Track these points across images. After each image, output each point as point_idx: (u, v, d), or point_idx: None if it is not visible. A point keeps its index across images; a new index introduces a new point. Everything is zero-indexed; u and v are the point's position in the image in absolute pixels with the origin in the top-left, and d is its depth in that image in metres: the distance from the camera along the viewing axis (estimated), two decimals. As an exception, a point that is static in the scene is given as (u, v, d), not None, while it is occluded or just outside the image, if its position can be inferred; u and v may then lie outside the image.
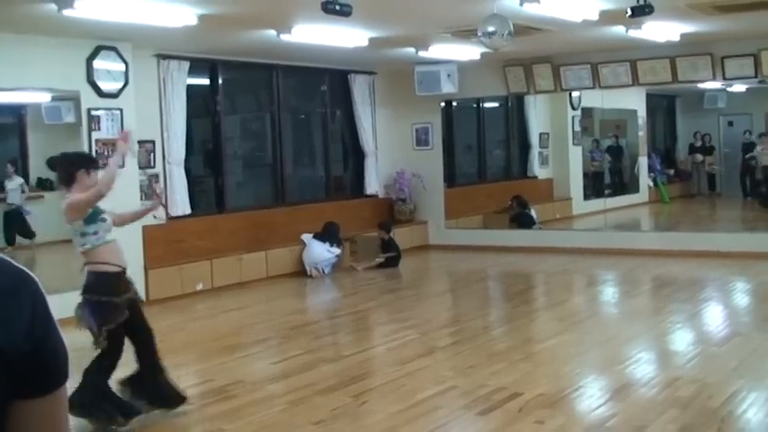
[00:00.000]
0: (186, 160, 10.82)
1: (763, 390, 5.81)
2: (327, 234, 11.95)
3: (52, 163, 5.65)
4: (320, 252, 11.83)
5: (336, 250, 11.92)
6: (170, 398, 5.69)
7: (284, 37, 9.39)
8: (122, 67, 9.72)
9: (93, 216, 5.29)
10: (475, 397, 5.81)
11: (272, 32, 9.35)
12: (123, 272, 5.48)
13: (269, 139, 12.50)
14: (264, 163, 12.59)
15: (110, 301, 5.30)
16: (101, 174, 5.46)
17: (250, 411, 5.75)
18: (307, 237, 11.93)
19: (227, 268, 10.95)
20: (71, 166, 5.36)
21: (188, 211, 10.81)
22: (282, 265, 11.68)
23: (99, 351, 5.36)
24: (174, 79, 10.63)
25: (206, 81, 11.48)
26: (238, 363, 7.26)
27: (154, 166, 10.45)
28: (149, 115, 10.35)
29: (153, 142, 10.44)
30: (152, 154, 10.44)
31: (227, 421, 5.57)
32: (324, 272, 11.66)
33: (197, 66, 11.04)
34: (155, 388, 5.62)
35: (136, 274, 9.72)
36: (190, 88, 10.88)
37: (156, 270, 10.13)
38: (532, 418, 5.34)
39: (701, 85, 15.47)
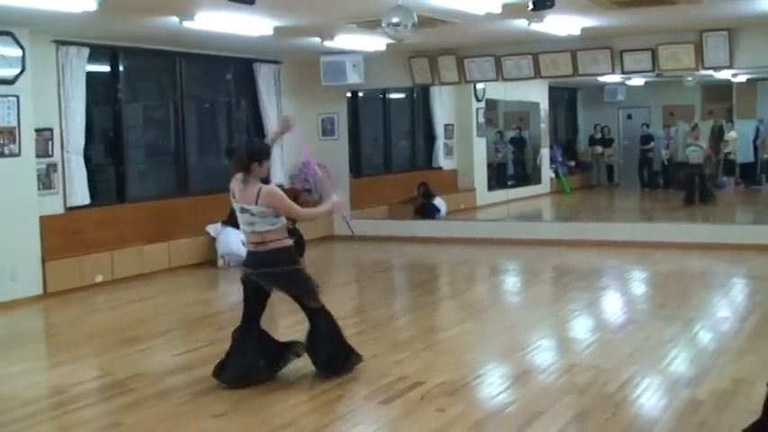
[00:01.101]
0: (86, 149, 10.56)
1: (657, 375, 5.98)
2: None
3: (231, 152, 6.29)
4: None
5: None
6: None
7: (187, 24, 9.24)
8: (19, 52, 9.43)
9: None
10: (377, 386, 5.85)
11: (175, 19, 9.20)
12: (288, 248, 6.14)
13: (172, 128, 12.30)
14: (167, 152, 12.39)
15: (300, 268, 6.17)
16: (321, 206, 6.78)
17: (150, 404, 5.68)
18: (215, 226, 11.80)
19: (129, 259, 10.75)
20: (248, 158, 6.08)
21: (87, 200, 10.55)
22: (186, 255, 11.53)
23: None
24: (74, 66, 10.36)
25: (107, 68, 11.21)
26: (139, 355, 7.14)
27: (52, 155, 10.17)
28: (47, 103, 10.09)
29: (51, 130, 10.15)
30: (50, 142, 10.14)
31: (126, 415, 5.49)
32: (229, 264, 11.55)
33: (97, 52, 10.79)
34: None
35: (32, 265, 9.56)
36: (90, 75, 10.62)
37: (53, 262, 9.88)
38: (434, 406, 5.40)
39: (601, 79, 15.86)
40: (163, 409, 5.57)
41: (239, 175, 6.12)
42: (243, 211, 6.11)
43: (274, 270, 6.03)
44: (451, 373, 6.15)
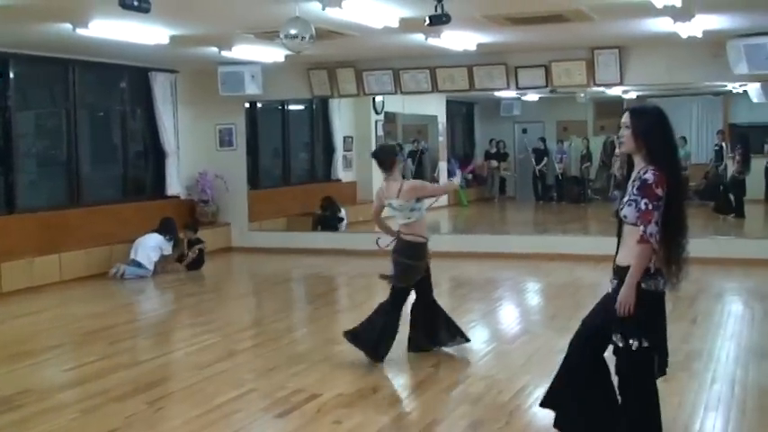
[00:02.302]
0: (-27, 158, 10.24)
1: (548, 385, 6.08)
2: (165, 228, 11.82)
3: (377, 153, 7.12)
4: (153, 245, 11.61)
5: (169, 245, 11.82)
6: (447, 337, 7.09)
7: (81, 31, 9.06)
8: None
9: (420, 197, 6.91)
10: (274, 399, 5.81)
11: (68, 26, 9.01)
12: (427, 242, 7.03)
13: (64, 137, 12.00)
14: (59, 161, 12.07)
15: (414, 264, 6.96)
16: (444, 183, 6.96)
17: (39, 421, 5.51)
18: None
19: (18, 272, 10.43)
20: (391, 156, 6.95)
21: (-26, 211, 10.22)
22: (78, 268, 11.25)
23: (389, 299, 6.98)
24: (-40, 72, 10.03)
25: (-4, 75, 10.90)
26: (27, 371, 6.93)
27: (-64, 164, 9.82)
28: (-69, 109, 9.74)
29: (-65, 138, 9.81)
30: (-66, 150, 9.80)
31: (13, 432, 5.32)
32: (123, 275, 11.35)
33: (-15, 58, 10.48)
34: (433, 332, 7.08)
35: None
36: (-23, 82, 10.30)
37: (-63, 274, 9.53)
38: (330, 418, 5.40)
39: (497, 94, 16.15)
40: (52, 426, 5.41)
41: (383, 176, 7.05)
42: (388, 204, 7.05)
43: (397, 258, 7.03)
44: (348, 384, 6.15)
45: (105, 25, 8.99)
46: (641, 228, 3.91)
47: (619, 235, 4.18)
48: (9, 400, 5.97)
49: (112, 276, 11.44)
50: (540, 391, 5.85)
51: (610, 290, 4.25)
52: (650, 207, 3.90)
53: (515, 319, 9.03)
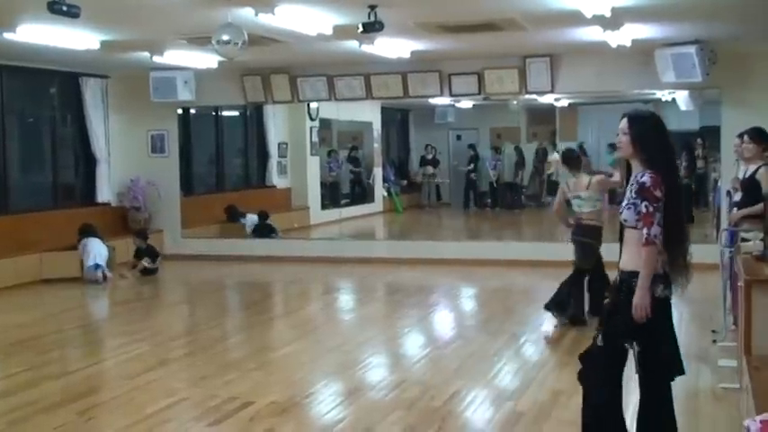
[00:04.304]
0: None
1: (482, 388, 6.17)
2: (93, 232, 11.75)
3: (567, 157, 8.49)
4: (102, 249, 11.53)
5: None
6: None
7: (8, 36, 8.90)
8: None
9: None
10: (206, 408, 5.76)
11: (-5, 30, 8.84)
12: (602, 227, 8.24)
13: (-8, 144, 11.76)
14: (-14, 168, 11.82)
15: (591, 243, 8.20)
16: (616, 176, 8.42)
17: (-37, 433, 5.39)
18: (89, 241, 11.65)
19: (-57, 281, 10.18)
20: (577, 158, 8.46)
21: None
22: (7, 276, 11.00)
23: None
24: None
25: None
26: (-48, 382, 6.77)
27: None
28: None
29: None
30: None
31: (-64, 445, 5.19)
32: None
33: None
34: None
35: None
36: None
37: None
38: (263, 426, 5.37)
39: (431, 101, 16.27)
40: (-23, 439, 5.30)
41: (568, 173, 8.48)
42: (575, 197, 8.24)
43: (581, 239, 8.24)
44: (282, 392, 6.13)
45: (34, 30, 8.84)
46: (644, 230, 3.93)
47: (621, 240, 4.20)
48: (-68, 413, 5.82)
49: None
50: (473, 395, 5.92)
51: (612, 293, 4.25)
52: (651, 209, 3.93)
53: (449, 324, 9.11)
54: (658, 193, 3.94)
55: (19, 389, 6.38)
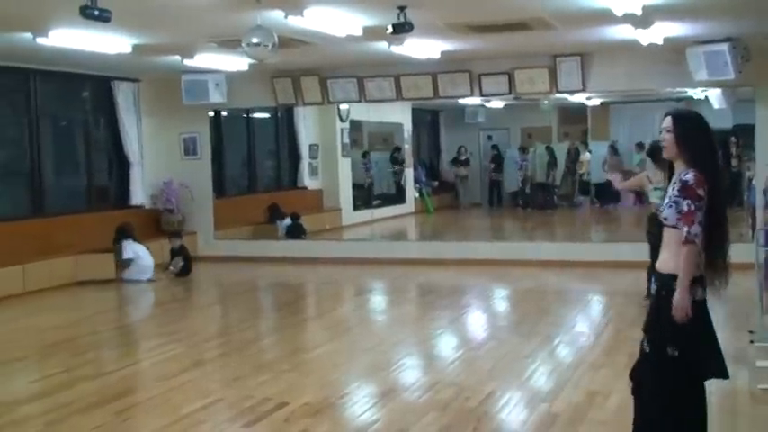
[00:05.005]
0: (-68, 169, 10.11)
1: (516, 390, 6.14)
2: (130, 235, 11.91)
3: (653, 152, 8.43)
4: (148, 255, 11.73)
5: None
6: None
7: (41, 41, 8.98)
8: None
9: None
10: (240, 409, 5.78)
11: (28, 35, 8.92)
12: None
13: (26, 147, 11.87)
14: (21, 171, 11.93)
15: None
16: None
17: (2, 434, 5.45)
18: (130, 245, 11.83)
19: (-20, 283, 10.30)
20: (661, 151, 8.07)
21: (-66, 223, 10.09)
22: (41, 278, 11.11)
23: None
24: None
25: (-45, 85, 10.79)
26: (-10, 383, 6.85)
27: None
28: None
29: None
30: None
31: (-25, 446, 5.25)
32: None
33: (-56, 68, 10.36)
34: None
35: None
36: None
37: None
38: (298, 427, 5.38)
39: (461, 101, 16.23)
40: (15, 440, 5.36)
41: (651, 165, 8.59)
42: (656, 189, 8.19)
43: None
44: (316, 393, 6.14)
45: (66, 34, 8.92)
46: (684, 229, 3.86)
47: (659, 239, 4.13)
48: (-29, 414, 5.90)
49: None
50: (507, 397, 5.89)
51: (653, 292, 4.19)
52: (693, 208, 3.86)
53: (482, 325, 9.07)
54: (701, 192, 3.88)
55: (55, 390, 6.44)
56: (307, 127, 16.75)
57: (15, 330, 9.12)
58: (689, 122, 4.06)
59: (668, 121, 4.05)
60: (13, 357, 7.74)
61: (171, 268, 12.18)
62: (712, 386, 4.23)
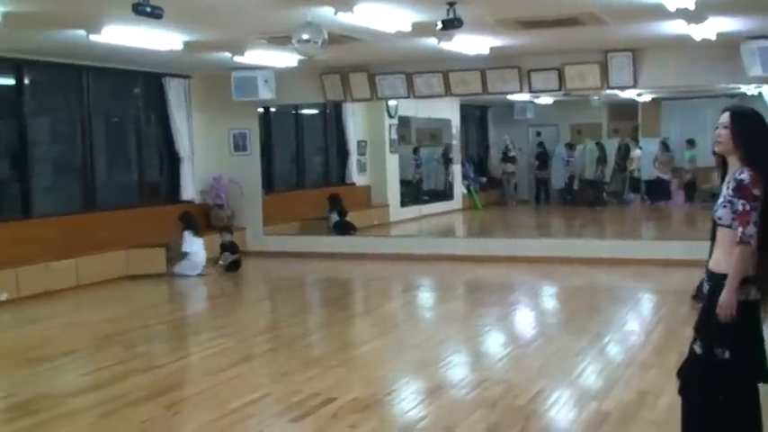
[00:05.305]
0: (-11, 164, 10.31)
1: (566, 388, 6.09)
2: (194, 225, 12.08)
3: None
4: (203, 251, 11.91)
5: None
6: None
7: (94, 38, 9.09)
8: None
9: None
10: (288, 404, 5.81)
11: (82, 32, 9.04)
12: None
13: (79, 143, 12.05)
14: (74, 167, 12.11)
15: None
16: None
17: (56, 426, 5.52)
18: (191, 238, 11.99)
19: (34, 276, 10.46)
20: None
21: (-9, 216, 10.30)
22: (94, 272, 11.27)
23: None
24: (-24, 79, 10.11)
25: (11, 81, 10.97)
26: (44, 375, 6.95)
27: (-47, 170, 9.91)
28: (-52, 116, 9.83)
29: (-48, 145, 9.89)
30: (-49, 157, 9.88)
31: (29, 437, 5.34)
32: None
33: (1, 65, 10.55)
34: None
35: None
36: (-7, 88, 10.38)
37: (-46, 279, 9.60)
38: (346, 422, 5.38)
39: (510, 97, 16.16)
40: (68, 431, 5.43)
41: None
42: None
43: None
44: (363, 389, 6.14)
45: (118, 31, 9.02)
46: (739, 229, 3.79)
47: (712, 238, 4.07)
48: (26, 405, 5.99)
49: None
50: (556, 395, 5.85)
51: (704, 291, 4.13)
52: (748, 207, 3.79)
53: (531, 322, 9.02)
54: (757, 192, 3.80)
55: (108, 382, 6.53)
56: (355, 123, 16.79)
57: (68, 324, 9.27)
58: (747, 119, 3.99)
59: (726, 117, 3.98)
60: (66, 350, 7.85)
61: (221, 262, 12.31)
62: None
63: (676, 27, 9.49)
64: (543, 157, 21.41)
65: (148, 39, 9.51)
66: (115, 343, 8.04)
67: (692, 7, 7.98)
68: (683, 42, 10.51)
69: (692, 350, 4.07)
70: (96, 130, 12.31)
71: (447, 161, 19.79)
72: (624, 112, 21.00)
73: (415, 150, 19.00)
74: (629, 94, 16.74)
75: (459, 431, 5.18)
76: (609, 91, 12.98)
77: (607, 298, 10.12)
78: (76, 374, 7.00)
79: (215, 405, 5.85)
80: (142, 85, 13.12)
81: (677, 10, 8.10)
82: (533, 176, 21.62)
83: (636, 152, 20.66)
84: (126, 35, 9.18)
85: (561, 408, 5.64)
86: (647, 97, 19.37)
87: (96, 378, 6.75)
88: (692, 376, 4.07)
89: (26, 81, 11.08)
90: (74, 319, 9.54)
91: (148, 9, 7.06)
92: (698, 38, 9.92)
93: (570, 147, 21.10)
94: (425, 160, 19.48)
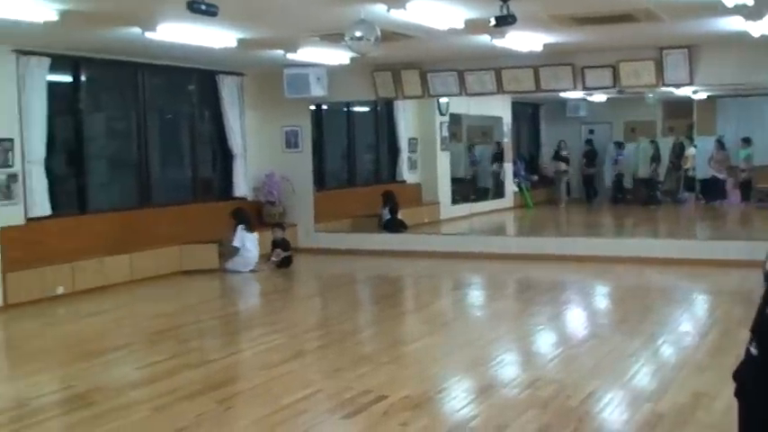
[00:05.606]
0: (47, 159, 10.47)
1: (619, 389, 6.02)
2: (247, 220, 12.18)
3: None
4: (256, 247, 12.00)
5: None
6: None
7: (149, 35, 9.19)
8: (-22, 61, 9.33)
9: None
10: (340, 400, 5.83)
11: (137, 30, 9.15)
12: None
13: (134, 139, 12.22)
14: (129, 163, 12.28)
15: None
16: None
17: (111, 418, 5.61)
18: (243, 234, 12.08)
19: (90, 271, 10.63)
20: None
21: (48, 211, 10.47)
22: (148, 267, 11.42)
23: None
24: (34, 76, 10.29)
25: (68, 78, 11.15)
26: (99, 368, 7.07)
27: (12, 165, 10.08)
28: (7, 113, 10.03)
29: (11, 140, 10.07)
30: (10, 152, 10.06)
31: (87, 428, 5.42)
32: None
33: (58, 62, 10.70)
34: None
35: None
36: (51, 85, 10.55)
37: (14, 273, 9.79)
38: (397, 420, 5.39)
39: (563, 94, 15.97)
40: (124, 423, 5.51)
41: None
42: None
43: None
44: (415, 386, 6.14)
45: (173, 29, 9.11)
46: None
47: None
48: (82, 397, 6.09)
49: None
50: (610, 396, 5.78)
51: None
52: None
53: (583, 322, 8.93)
54: None
55: (162, 377, 6.61)
56: (406, 120, 16.75)
57: (122, 318, 9.40)
58: None
59: None
60: (121, 344, 7.98)
61: (273, 259, 12.38)
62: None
63: (734, 23, 9.33)
64: (591, 155, 21.19)
65: (203, 36, 9.59)
66: (169, 337, 8.14)
67: (750, 3, 7.84)
68: (741, 39, 10.33)
69: (748, 352, 3.99)
70: (151, 126, 12.46)
71: (497, 159, 19.67)
72: (679, 109, 20.66)
73: (470, 147, 18.93)
74: (685, 91, 16.45)
75: (510, 431, 5.16)
76: (664, 88, 12.81)
77: (661, 298, 9.99)
78: (131, 368, 7.10)
79: (267, 400, 5.90)
80: (196, 83, 13.24)
81: (735, 6, 7.96)
82: (581, 175, 21.40)
83: (690, 150, 20.32)
84: (181, 33, 9.27)
85: (614, 409, 5.59)
86: (702, 95, 19.04)
87: (150, 372, 6.84)
88: (749, 378, 4.00)
89: (83, 78, 11.25)
90: (128, 313, 9.67)
91: (203, 7, 7.12)
92: (756, 34, 9.74)
93: (619, 145, 20.85)
94: (480, 158, 19.40)
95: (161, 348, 7.66)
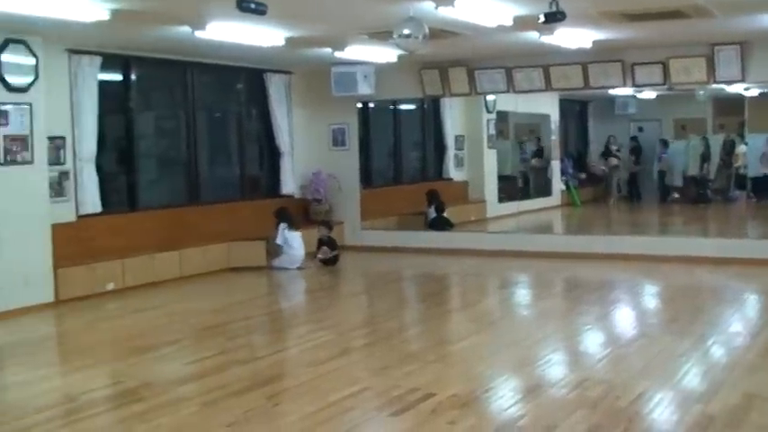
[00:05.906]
0: (97, 157, 10.62)
1: (669, 390, 5.95)
2: (289, 219, 12.18)
3: None
4: (301, 245, 12.00)
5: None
6: None
7: (199, 34, 9.27)
8: (32, 60, 9.47)
9: None
10: (388, 398, 5.83)
11: (187, 29, 9.23)
12: None
13: (183, 137, 12.34)
14: (178, 161, 12.41)
15: None
16: None
17: (161, 413, 5.66)
18: (287, 232, 12.11)
19: (140, 267, 10.75)
20: None
21: (99, 209, 10.61)
22: (196, 264, 11.53)
23: None
24: (86, 75, 10.43)
25: (119, 77, 11.29)
26: (149, 364, 7.15)
27: (64, 163, 10.23)
28: (60, 111, 10.16)
29: (63, 138, 10.22)
30: (62, 150, 10.21)
31: (137, 423, 5.48)
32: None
33: (109, 61, 10.84)
34: None
35: (44, 273, 9.58)
36: (102, 84, 10.69)
37: (65, 269, 9.91)
38: (445, 418, 5.38)
39: (611, 91, 15.82)
40: (173, 419, 5.56)
41: None
42: None
43: None
44: (462, 385, 6.13)
45: (222, 27, 9.18)
46: None
47: None
48: (132, 392, 6.16)
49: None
50: (659, 396, 5.72)
51: None
52: None
53: (632, 322, 8.84)
54: None
55: (210, 372, 6.67)
56: (452, 118, 16.70)
57: (172, 314, 9.49)
58: None
59: None
60: (170, 340, 8.05)
61: (319, 256, 12.42)
62: None
63: (788, 19, 9.19)
64: (637, 152, 20.95)
65: (251, 35, 9.66)
66: (217, 334, 8.21)
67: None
68: (795, 35, 10.17)
69: None
70: (200, 124, 12.57)
71: (538, 155, 19.54)
72: (730, 106, 20.35)
73: (521, 144, 18.85)
74: (736, 88, 16.22)
75: (559, 431, 5.12)
76: (714, 85, 12.64)
77: (711, 298, 9.86)
78: (180, 363, 7.16)
79: (315, 397, 5.91)
80: (244, 81, 13.33)
81: (790, 1, 7.85)
82: (628, 172, 21.17)
83: (741, 148, 20.02)
84: (229, 31, 9.34)
85: (664, 410, 5.51)
86: (754, 92, 18.76)
87: (199, 367, 6.90)
88: None
89: (133, 77, 11.38)
90: (177, 309, 9.76)
91: (252, 5, 7.17)
92: (811, 30, 9.59)
93: (664, 143, 20.61)
94: (530, 155, 19.29)
95: (210, 344, 7.73)
